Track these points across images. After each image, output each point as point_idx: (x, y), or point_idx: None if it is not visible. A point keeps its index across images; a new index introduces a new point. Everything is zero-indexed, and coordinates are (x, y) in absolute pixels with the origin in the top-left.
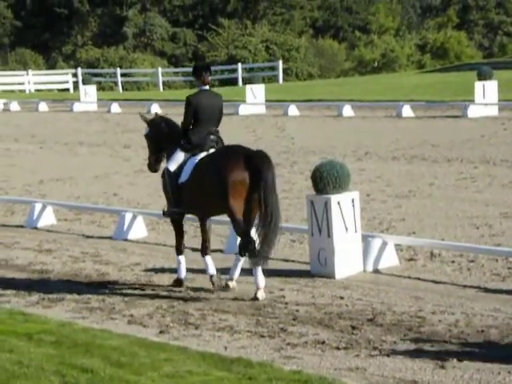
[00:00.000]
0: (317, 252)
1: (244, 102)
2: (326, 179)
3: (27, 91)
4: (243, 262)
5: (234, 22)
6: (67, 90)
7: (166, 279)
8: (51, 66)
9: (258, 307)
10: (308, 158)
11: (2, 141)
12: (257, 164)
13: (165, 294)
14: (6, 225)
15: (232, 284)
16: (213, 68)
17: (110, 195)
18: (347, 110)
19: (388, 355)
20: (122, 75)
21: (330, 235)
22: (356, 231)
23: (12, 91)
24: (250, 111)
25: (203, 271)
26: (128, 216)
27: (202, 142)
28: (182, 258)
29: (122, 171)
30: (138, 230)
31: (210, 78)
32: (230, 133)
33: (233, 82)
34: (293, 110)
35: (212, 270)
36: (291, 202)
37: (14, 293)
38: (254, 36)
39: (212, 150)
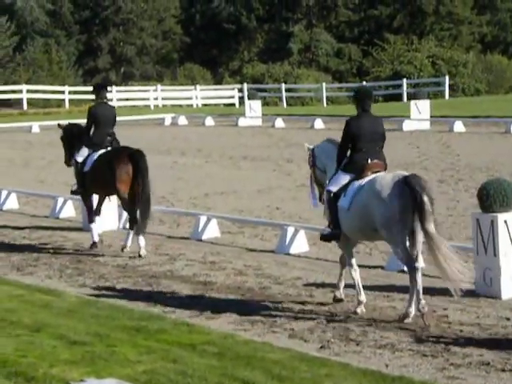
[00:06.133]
0: (482, 271)
1: (408, 117)
2: (492, 197)
3: (194, 106)
4: (133, 233)
5: (400, 37)
6: (233, 104)
7: (327, 294)
8: (218, 81)
9: (421, 325)
10: (474, 176)
11: (169, 154)
12: (136, 159)
13: (325, 309)
14: (172, 236)
15: (126, 250)
16: (377, 83)
17: (272, 209)
18: None
19: None
20: (287, 90)
21: (496, 254)
22: None
23: (180, 106)
24: (415, 127)
25: (362, 287)
26: (290, 230)
27: (100, 141)
28: (93, 225)
29: (284, 185)
30: (300, 245)
31: (106, 93)
32: (393, 149)
33: (397, 97)
34: (459, 126)
35: (96, 238)
36: (456, 219)
37: (179, 303)
38: (420, 51)
39: (109, 148)
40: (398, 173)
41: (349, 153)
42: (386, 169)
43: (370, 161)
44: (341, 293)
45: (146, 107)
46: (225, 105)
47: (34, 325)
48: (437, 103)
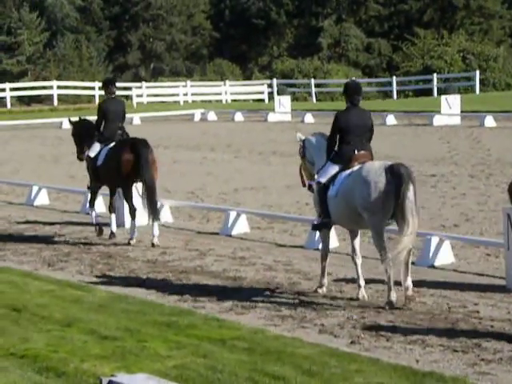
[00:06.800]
0: None
1: (439, 112)
2: None
3: (224, 101)
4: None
5: (430, 31)
6: (262, 100)
7: (357, 290)
8: (247, 76)
9: (451, 321)
10: (505, 170)
11: (199, 150)
12: (138, 149)
13: (355, 304)
14: (202, 232)
15: (133, 242)
16: (407, 78)
17: (302, 204)
18: None
19: None
20: (316, 86)
21: None
22: None
23: (209, 101)
24: (445, 122)
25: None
26: None
27: (110, 135)
28: (93, 211)
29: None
30: (330, 240)
31: (114, 88)
32: (424, 144)
33: (427, 92)
34: (489, 120)
35: (114, 228)
36: (486, 214)
37: (209, 299)
38: (451, 46)
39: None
40: (385, 162)
41: (337, 145)
42: (372, 159)
43: (356, 152)
44: (324, 290)
45: (176, 103)
46: (254, 100)
47: (65, 320)
48: (467, 98)
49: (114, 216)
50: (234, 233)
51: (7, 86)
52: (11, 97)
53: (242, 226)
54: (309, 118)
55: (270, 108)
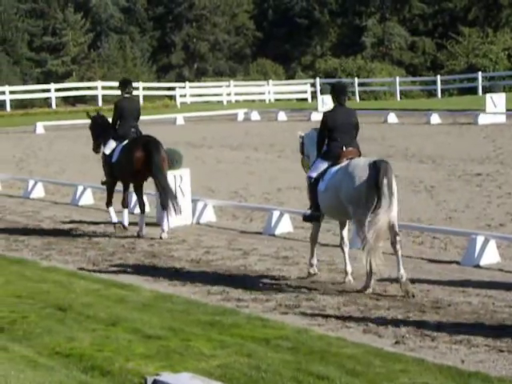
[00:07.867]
0: None
1: (484, 111)
2: None
3: (267, 101)
4: (166, 213)
5: (475, 30)
6: (305, 99)
7: (401, 289)
8: (290, 76)
9: (497, 321)
10: None
11: (242, 149)
12: (150, 147)
13: (400, 304)
14: (245, 231)
15: (164, 235)
16: (451, 77)
17: None
18: None
19: None
20: (359, 85)
21: None
22: None
23: (253, 101)
24: (490, 121)
25: (437, 282)
26: None
27: (125, 134)
28: (111, 208)
29: None
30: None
31: (131, 88)
32: (469, 142)
33: (472, 90)
34: None
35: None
36: None
37: (252, 298)
38: (496, 44)
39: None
40: (371, 158)
41: (326, 142)
42: (360, 155)
43: (344, 148)
44: (314, 269)
45: (219, 103)
46: (297, 99)
47: (110, 319)
48: None
49: (126, 211)
50: (277, 232)
51: (52, 86)
52: (56, 97)
53: (285, 226)
54: None
55: (313, 107)
